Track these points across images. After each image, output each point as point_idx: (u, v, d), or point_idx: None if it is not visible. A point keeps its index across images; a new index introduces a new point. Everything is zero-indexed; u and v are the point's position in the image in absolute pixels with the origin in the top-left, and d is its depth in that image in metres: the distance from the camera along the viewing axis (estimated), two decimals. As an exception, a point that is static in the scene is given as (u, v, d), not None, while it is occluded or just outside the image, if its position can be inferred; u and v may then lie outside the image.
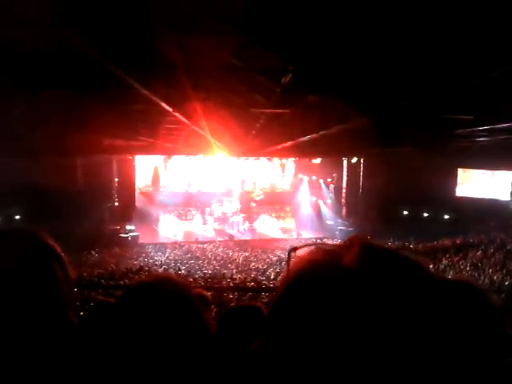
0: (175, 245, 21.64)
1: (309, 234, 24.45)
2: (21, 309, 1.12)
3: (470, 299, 1.41)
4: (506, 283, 11.57)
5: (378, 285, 0.60)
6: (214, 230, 24.62)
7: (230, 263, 17.82)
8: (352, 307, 0.58)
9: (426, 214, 22.96)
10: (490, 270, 13.36)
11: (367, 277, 0.61)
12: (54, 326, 1.15)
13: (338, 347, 0.57)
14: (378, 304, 0.59)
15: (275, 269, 16.32)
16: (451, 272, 13.66)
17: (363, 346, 0.57)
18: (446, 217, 22.62)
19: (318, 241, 22.63)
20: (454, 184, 23.08)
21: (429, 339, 0.60)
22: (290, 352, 0.61)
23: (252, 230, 25.08)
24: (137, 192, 23.75)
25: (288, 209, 26.52)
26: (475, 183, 22.69)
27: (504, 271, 13.16)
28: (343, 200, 24.85)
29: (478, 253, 16.02)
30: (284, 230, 25.36)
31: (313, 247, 0.71)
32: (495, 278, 12.33)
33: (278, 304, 0.66)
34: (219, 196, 25.52)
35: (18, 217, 17.64)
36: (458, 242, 17.75)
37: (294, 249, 0.74)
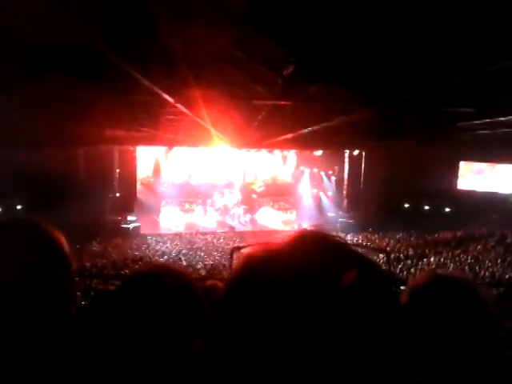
0: (176, 236, 21.69)
1: (310, 227, 24.46)
2: (19, 301, 1.12)
3: (456, 295, 1.43)
4: (507, 276, 11.58)
5: (325, 288, 0.58)
6: (215, 221, 24.66)
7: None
8: (299, 309, 0.57)
9: (427, 207, 22.95)
10: (491, 263, 13.39)
11: (317, 278, 0.59)
12: (53, 318, 1.15)
13: (280, 352, 0.56)
14: (321, 306, 0.57)
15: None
16: (451, 265, 13.69)
17: (308, 349, 0.56)
18: (447, 210, 22.61)
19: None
20: (456, 177, 23.05)
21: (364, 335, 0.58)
22: (232, 355, 0.60)
23: (253, 222, 25.11)
24: (138, 183, 23.77)
25: (289, 201, 26.51)
26: (476, 176, 22.64)
27: (505, 264, 13.18)
28: (344, 192, 24.84)
29: (479, 246, 16.04)
30: (285, 222, 25.39)
31: (256, 247, 0.68)
32: (495, 271, 12.35)
33: (221, 306, 0.65)
34: (220, 187, 25.53)
35: (19, 207, 17.68)
36: (458, 235, 17.77)
37: (237, 248, 0.72)
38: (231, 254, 0.71)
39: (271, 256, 0.64)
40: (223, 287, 0.67)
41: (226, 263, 15.46)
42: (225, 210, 25.07)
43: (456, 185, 23.00)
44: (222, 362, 0.61)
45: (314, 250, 0.63)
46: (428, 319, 1.36)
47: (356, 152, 23.33)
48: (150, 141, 18.14)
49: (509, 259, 13.75)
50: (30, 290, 1.15)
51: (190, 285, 1.15)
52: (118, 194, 21.90)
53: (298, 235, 0.68)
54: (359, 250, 0.67)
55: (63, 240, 1.29)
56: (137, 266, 12.64)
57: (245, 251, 0.70)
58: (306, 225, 24.54)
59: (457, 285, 1.47)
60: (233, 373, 0.59)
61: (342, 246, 0.66)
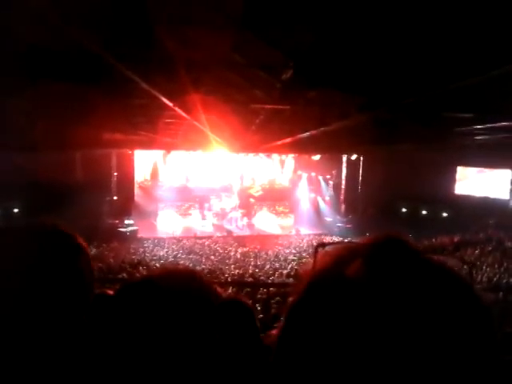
0: (173, 240, 21.65)
1: (307, 231, 24.47)
2: (48, 301, 1.11)
3: (462, 298, 1.42)
4: (504, 281, 11.59)
5: (401, 290, 0.59)
6: (213, 225, 24.64)
7: (228, 259, 17.84)
8: (375, 312, 0.57)
9: (424, 212, 22.97)
10: (488, 269, 13.39)
11: (387, 281, 0.59)
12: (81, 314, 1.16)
13: (358, 351, 0.56)
14: (399, 312, 0.57)
15: (273, 265, 16.34)
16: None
17: (391, 354, 0.56)
18: (445, 214, 22.63)
19: (321, 237, 22.72)
20: (453, 182, 23.09)
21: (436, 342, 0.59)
22: (308, 353, 0.60)
23: (250, 226, 25.09)
24: (136, 186, 23.74)
25: (287, 205, 26.51)
26: (474, 181, 22.69)
27: (502, 269, 13.19)
28: (342, 197, 24.85)
29: (476, 251, 16.05)
30: (282, 227, 25.38)
31: (340, 245, 0.69)
32: (492, 276, 12.35)
33: (300, 302, 0.65)
34: (218, 191, 25.52)
35: (16, 210, 17.63)
36: (456, 239, 17.77)
37: (322, 245, 0.72)
38: (316, 249, 0.72)
39: (356, 257, 0.64)
40: (305, 281, 0.66)
41: (223, 267, 15.43)
42: (222, 214, 25.05)
43: (454, 189, 23.04)
44: (299, 362, 0.61)
45: (396, 256, 0.63)
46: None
47: (354, 156, 23.35)
48: (148, 144, 18.15)
49: (506, 264, 13.75)
50: (58, 289, 1.15)
51: (211, 287, 1.14)
52: (115, 198, 21.87)
53: (381, 239, 0.68)
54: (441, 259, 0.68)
55: (84, 243, 1.30)
56: (134, 271, 12.61)
57: (328, 249, 0.70)
58: (304, 229, 24.55)
59: (454, 283, 1.46)
60: (307, 374, 0.59)
61: (422, 254, 0.66)
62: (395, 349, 0.56)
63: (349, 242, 0.69)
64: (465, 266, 0.77)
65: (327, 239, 22.42)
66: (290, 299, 0.68)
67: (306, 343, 0.61)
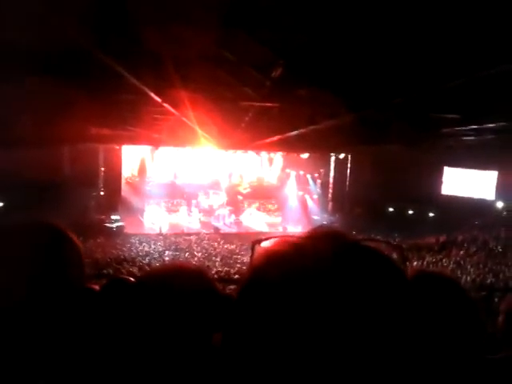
0: (160, 236, 21.57)
1: (295, 229, 24.51)
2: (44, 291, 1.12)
3: (451, 293, 1.43)
4: (488, 281, 11.72)
5: (347, 282, 0.59)
6: (200, 222, 24.56)
7: (215, 256, 17.81)
8: (321, 304, 0.57)
9: (411, 212, 23.14)
10: (472, 269, 13.53)
11: (336, 273, 0.59)
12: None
13: (301, 347, 0.56)
14: (347, 302, 0.57)
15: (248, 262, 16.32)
16: (434, 270, 13.78)
17: (329, 346, 0.56)
18: (431, 215, 22.82)
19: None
20: (440, 182, 23.28)
21: (402, 334, 0.60)
22: (251, 351, 0.60)
23: (238, 223, 25.06)
24: (123, 182, 23.60)
25: (275, 203, 26.52)
26: (461, 182, 22.89)
27: (486, 270, 13.33)
28: (330, 195, 24.95)
29: (461, 251, 16.21)
30: (270, 224, 25.39)
31: (277, 239, 0.69)
32: (477, 276, 12.48)
33: (240, 300, 0.65)
34: (206, 188, 25.45)
35: (0, 204, 17.44)
36: (441, 240, 17.92)
37: (258, 241, 0.72)
38: (252, 246, 0.71)
39: (290, 252, 0.64)
40: (243, 279, 0.66)
41: (209, 264, 15.41)
42: (210, 211, 25.00)
43: (440, 190, 23.22)
44: (240, 357, 0.61)
45: (331, 246, 0.63)
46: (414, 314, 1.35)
47: (342, 155, 23.45)
48: (135, 140, 18.04)
49: (490, 265, 13.91)
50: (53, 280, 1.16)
51: (207, 283, 1.15)
52: (102, 193, 21.72)
53: (315, 231, 0.68)
54: (373, 244, 0.68)
55: (75, 238, 1.30)
56: (119, 267, 12.54)
57: (265, 244, 0.70)
58: (291, 227, 24.60)
59: (441, 280, 1.47)
60: (250, 367, 0.59)
61: (356, 243, 0.67)
62: (327, 340, 0.56)
63: (284, 235, 0.69)
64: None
65: (294, 234, 22.42)
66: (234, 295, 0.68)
67: (244, 343, 0.61)
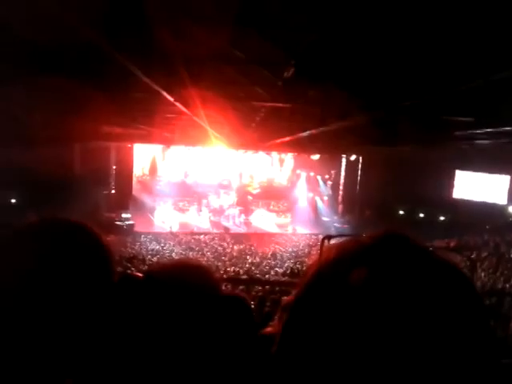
0: (170, 235, 21.64)
1: (304, 230, 24.46)
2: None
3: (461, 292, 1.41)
4: (499, 286, 11.61)
5: (413, 288, 0.58)
6: (210, 221, 24.61)
7: (224, 255, 17.84)
8: (378, 309, 0.57)
9: (421, 215, 22.98)
10: (483, 273, 13.41)
11: (392, 277, 0.59)
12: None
13: (360, 346, 0.56)
14: (410, 308, 0.57)
15: (269, 263, 16.34)
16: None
17: (395, 349, 0.55)
18: (442, 218, 22.65)
19: (318, 236, 22.76)
20: (451, 186, 23.10)
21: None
22: (309, 348, 0.59)
23: (247, 224, 25.07)
24: (134, 181, 23.71)
25: (285, 204, 26.49)
26: (472, 186, 22.68)
27: (497, 274, 13.21)
28: (340, 197, 24.86)
29: (472, 255, 16.06)
30: (279, 225, 25.36)
31: (346, 238, 0.69)
32: (488, 280, 12.38)
33: (304, 296, 0.64)
34: (216, 188, 25.49)
35: (13, 201, 17.61)
36: (452, 244, 17.78)
37: (328, 237, 0.72)
38: (322, 241, 0.71)
39: (361, 251, 0.64)
40: (309, 275, 0.66)
41: (219, 264, 15.43)
42: (220, 211, 25.03)
43: (451, 193, 23.04)
44: (304, 358, 0.60)
45: (399, 251, 0.63)
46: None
47: (353, 157, 23.36)
48: (147, 138, 18.13)
49: (501, 269, 13.77)
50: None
51: (212, 282, 1.15)
52: (113, 191, 21.84)
53: (384, 234, 0.68)
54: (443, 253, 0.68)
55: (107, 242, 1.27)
56: (129, 264, 12.59)
57: (335, 241, 0.70)
58: (301, 228, 24.55)
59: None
60: (315, 371, 0.59)
61: (426, 250, 0.66)
62: (397, 346, 0.55)
63: (354, 235, 0.69)
64: (467, 263, 0.77)
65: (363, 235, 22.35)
66: (294, 292, 0.67)
67: (308, 338, 0.60)
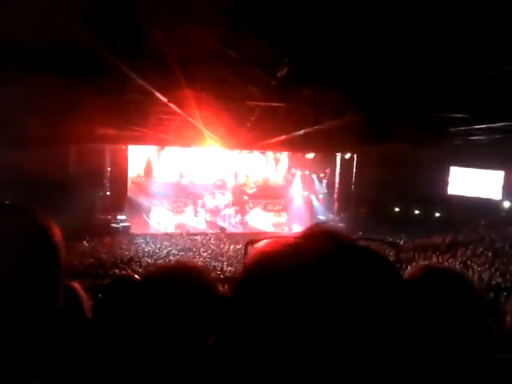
0: (166, 236, 21.59)
1: (300, 229, 24.35)
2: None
3: (459, 288, 1.41)
4: (494, 282, 11.64)
5: (340, 282, 0.58)
6: (206, 222, 24.58)
7: (221, 255, 17.82)
8: (313, 304, 0.57)
9: (417, 212, 23.03)
10: (479, 268, 13.45)
11: (329, 272, 0.59)
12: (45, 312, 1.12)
13: (298, 347, 0.56)
14: (342, 301, 0.57)
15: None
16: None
17: (327, 345, 0.56)
18: (437, 214, 22.72)
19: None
20: (446, 182, 23.18)
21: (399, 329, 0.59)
22: (246, 351, 0.60)
23: (244, 223, 25.06)
24: (129, 182, 23.64)
25: (280, 203, 26.50)
26: (467, 182, 22.77)
27: (492, 269, 13.26)
28: (335, 195, 24.89)
29: (468, 251, 16.12)
30: (275, 224, 25.37)
31: (271, 240, 0.68)
32: (484, 276, 12.41)
33: (233, 300, 0.65)
34: (211, 188, 25.47)
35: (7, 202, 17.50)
36: (448, 239, 17.83)
37: (252, 241, 0.72)
38: (246, 247, 0.71)
39: (283, 252, 0.64)
40: (236, 280, 0.66)
41: (216, 264, 15.40)
42: (216, 211, 25.01)
43: (446, 190, 23.12)
44: (233, 358, 0.60)
45: (324, 246, 0.63)
46: (422, 310, 1.33)
47: (348, 155, 23.39)
48: (141, 140, 18.08)
49: (497, 265, 13.83)
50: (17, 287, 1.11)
51: (208, 284, 1.15)
52: (108, 193, 21.78)
53: (308, 231, 0.69)
54: (369, 244, 0.68)
55: (57, 232, 1.22)
56: (126, 267, 12.57)
57: (258, 245, 0.70)
58: (297, 227, 24.56)
59: (450, 275, 1.45)
60: (243, 368, 0.59)
61: (350, 241, 0.66)
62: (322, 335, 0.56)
63: (278, 235, 0.69)
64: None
65: (289, 234, 22.39)
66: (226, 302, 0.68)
67: (237, 344, 0.61)
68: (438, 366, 1.29)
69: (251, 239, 0.72)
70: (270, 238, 0.69)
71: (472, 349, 1.33)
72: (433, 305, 1.35)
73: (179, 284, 1.10)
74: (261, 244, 0.70)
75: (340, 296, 0.57)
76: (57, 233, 1.19)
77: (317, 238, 0.65)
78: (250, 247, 0.71)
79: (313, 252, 0.62)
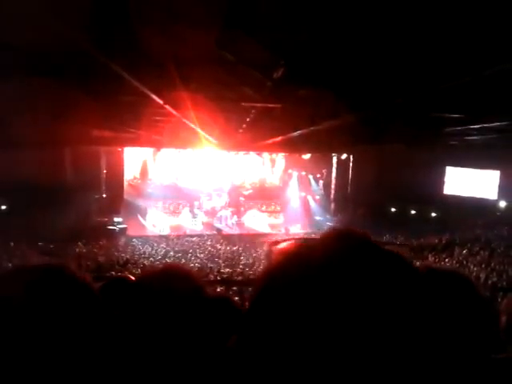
0: (163, 238, 21.58)
1: (297, 230, 24.49)
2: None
3: (462, 290, 1.41)
4: (490, 281, 11.67)
5: (357, 280, 0.59)
6: (203, 223, 24.58)
7: (218, 257, 17.81)
8: (334, 302, 0.57)
9: (413, 212, 23.10)
10: (475, 268, 13.49)
11: (346, 271, 0.59)
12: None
13: (321, 344, 0.56)
14: (358, 300, 0.57)
15: (263, 263, 16.34)
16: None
17: (346, 342, 0.56)
18: (434, 215, 22.78)
19: (311, 236, 22.82)
20: (442, 182, 23.24)
21: (415, 332, 0.59)
22: (270, 349, 0.59)
23: (240, 225, 25.08)
24: (125, 184, 23.61)
25: (277, 204, 26.51)
26: (463, 182, 22.83)
27: (488, 269, 13.29)
28: (332, 196, 24.93)
29: (464, 251, 16.17)
30: (272, 225, 25.38)
31: (293, 241, 0.69)
32: (480, 275, 12.44)
33: (258, 300, 0.64)
34: (208, 190, 25.46)
35: (3, 207, 17.46)
36: (444, 239, 17.89)
37: (275, 242, 0.72)
38: (269, 248, 0.72)
39: (307, 253, 0.64)
40: (260, 280, 0.66)
41: (213, 266, 15.39)
42: (212, 213, 25.00)
43: (442, 190, 23.18)
44: (260, 360, 0.60)
45: (347, 248, 0.64)
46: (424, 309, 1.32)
47: (344, 156, 23.43)
48: (137, 142, 18.05)
49: (493, 264, 13.87)
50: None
51: (200, 287, 1.16)
52: (104, 195, 21.75)
53: (331, 233, 0.69)
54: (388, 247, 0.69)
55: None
56: (123, 269, 12.55)
57: (281, 247, 0.70)
58: (294, 228, 24.57)
59: (452, 276, 1.45)
60: (271, 371, 0.59)
61: (372, 243, 0.66)
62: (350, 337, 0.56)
63: (300, 237, 0.70)
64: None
65: (312, 236, 22.48)
66: (249, 297, 0.68)
67: (265, 339, 0.61)
68: (443, 367, 1.29)
69: (274, 240, 0.73)
70: (291, 239, 0.69)
71: (475, 350, 1.32)
72: (435, 306, 1.34)
73: (168, 286, 1.10)
74: (283, 246, 0.70)
75: (362, 295, 0.58)
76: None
77: (337, 240, 0.66)
78: (272, 248, 0.72)
79: (340, 256, 0.62)
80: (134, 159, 24.15)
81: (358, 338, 0.56)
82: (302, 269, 0.62)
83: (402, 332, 0.59)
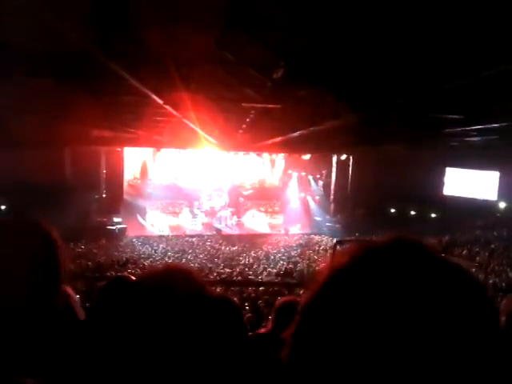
0: (162, 238, 21.58)
1: (296, 230, 24.49)
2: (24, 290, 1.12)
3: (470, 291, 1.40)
4: (491, 281, 11.69)
5: (426, 293, 0.58)
6: (202, 223, 24.56)
7: (217, 257, 17.81)
8: (391, 313, 0.57)
9: (413, 212, 23.09)
10: (475, 269, 13.50)
11: (404, 282, 0.59)
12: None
13: (383, 346, 0.56)
14: (414, 305, 0.57)
15: (262, 263, 16.34)
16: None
17: (408, 345, 0.56)
18: (433, 215, 22.77)
19: (310, 236, 22.82)
20: (442, 183, 23.23)
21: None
22: (324, 352, 0.59)
23: (240, 225, 25.06)
24: (125, 184, 23.59)
25: (277, 204, 26.49)
26: (463, 182, 22.82)
27: (488, 270, 13.30)
28: (332, 196, 24.91)
29: (464, 251, 16.18)
30: (272, 226, 25.36)
31: (357, 243, 0.69)
32: (480, 276, 12.44)
33: (316, 300, 0.64)
34: (208, 190, 25.43)
35: (3, 207, 17.45)
36: (444, 240, 17.89)
37: (340, 242, 0.72)
38: (334, 246, 0.72)
39: (372, 256, 0.65)
40: (321, 279, 0.66)
41: (212, 266, 15.39)
42: (212, 213, 24.98)
43: (442, 191, 23.17)
44: (318, 361, 0.60)
45: (409, 256, 0.64)
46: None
47: (344, 156, 23.42)
48: (137, 142, 18.06)
49: (492, 265, 13.88)
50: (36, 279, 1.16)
51: (202, 286, 1.16)
52: (104, 195, 21.74)
53: (396, 239, 0.69)
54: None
55: (58, 238, 1.31)
56: (122, 269, 12.54)
57: (347, 249, 0.70)
58: (293, 228, 24.56)
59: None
60: (330, 374, 0.58)
61: (436, 255, 0.66)
62: (408, 347, 0.56)
63: (365, 240, 0.70)
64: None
65: (316, 238, 22.45)
66: (305, 296, 0.68)
67: (324, 343, 0.60)
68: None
69: (340, 239, 0.72)
70: (357, 240, 0.70)
71: (484, 354, 1.32)
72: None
73: (170, 285, 1.10)
74: (347, 245, 0.70)
75: (424, 310, 0.57)
76: (57, 238, 1.27)
77: (401, 246, 0.66)
78: (338, 246, 0.72)
79: (397, 262, 0.62)
80: (134, 159, 24.12)
81: (420, 343, 0.56)
82: (369, 272, 0.62)
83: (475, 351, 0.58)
